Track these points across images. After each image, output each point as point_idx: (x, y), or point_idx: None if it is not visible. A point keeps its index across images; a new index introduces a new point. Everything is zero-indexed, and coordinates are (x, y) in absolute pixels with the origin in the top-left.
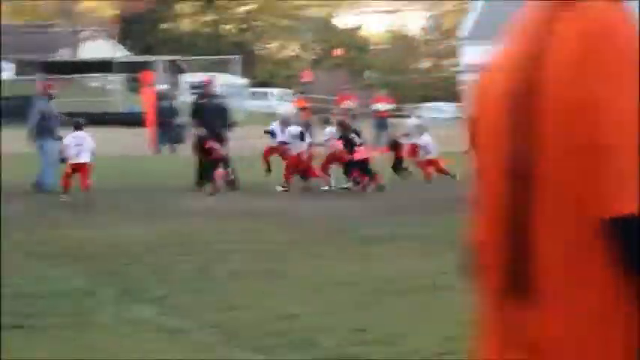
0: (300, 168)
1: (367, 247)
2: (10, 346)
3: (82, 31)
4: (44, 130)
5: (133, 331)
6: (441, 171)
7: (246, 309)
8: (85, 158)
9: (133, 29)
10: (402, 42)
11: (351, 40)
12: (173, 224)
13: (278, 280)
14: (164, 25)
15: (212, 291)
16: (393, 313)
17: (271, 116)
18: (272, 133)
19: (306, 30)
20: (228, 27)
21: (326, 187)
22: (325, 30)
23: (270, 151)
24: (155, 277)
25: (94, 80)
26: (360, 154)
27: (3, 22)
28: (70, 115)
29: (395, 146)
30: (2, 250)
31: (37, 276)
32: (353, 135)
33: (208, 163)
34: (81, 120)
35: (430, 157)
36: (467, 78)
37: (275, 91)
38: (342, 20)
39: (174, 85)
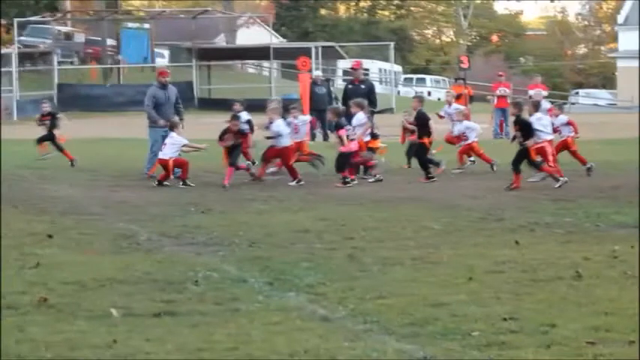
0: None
1: (516, 234)
2: (160, 332)
3: (238, 17)
4: (155, 116)
5: (283, 318)
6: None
7: (396, 297)
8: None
9: (289, 15)
10: (558, 28)
11: (508, 26)
12: (325, 211)
13: (428, 268)
14: (320, 12)
15: (363, 278)
16: (543, 301)
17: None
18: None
19: (462, 16)
20: (384, 13)
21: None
22: (482, 16)
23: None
24: (305, 265)
25: (251, 66)
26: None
27: (159, 8)
28: (226, 102)
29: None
30: (152, 236)
31: (187, 263)
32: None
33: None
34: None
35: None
36: (623, 64)
37: (429, 77)
38: (502, 5)
39: (331, 71)
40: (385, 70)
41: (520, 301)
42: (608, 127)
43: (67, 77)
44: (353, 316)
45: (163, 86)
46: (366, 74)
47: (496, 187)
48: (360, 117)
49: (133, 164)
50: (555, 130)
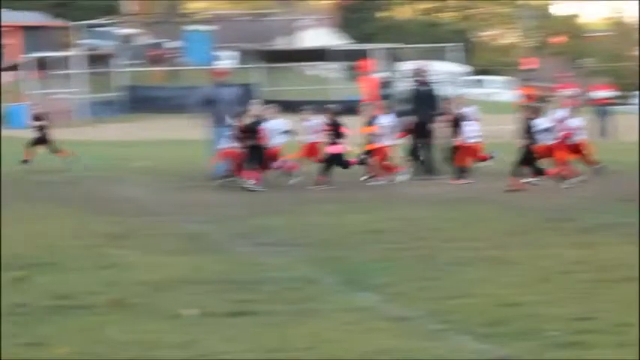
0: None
1: (589, 234)
2: (235, 332)
3: (300, 19)
4: (212, 117)
5: (357, 319)
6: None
7: (470, 297)
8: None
9: (351, 17)
10: (620, 29)
11: (570, 27)
12: (396, 212)
13: (502, 268)
14: (382, 14)
15: (436, 278)
16: (617, 301)
17: (487, 104)
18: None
19: (525, 17)
20: (446, 14)
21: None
22: (544, 17)
23: None
24: (379, 265)
25: (312, 68)
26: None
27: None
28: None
29: None
30: (224, 237)
31: (260, 263)
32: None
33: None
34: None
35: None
36: None
37: (493, 78)
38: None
39: (392, 73)
40: (449, 72)
41: (594, 301)
42: None
43: (132, 79)
44: (428, 316)
45: (220, 86)
46: (429, 76)
47: (560, 188)
48: (383, 120)
49: (199, 165)
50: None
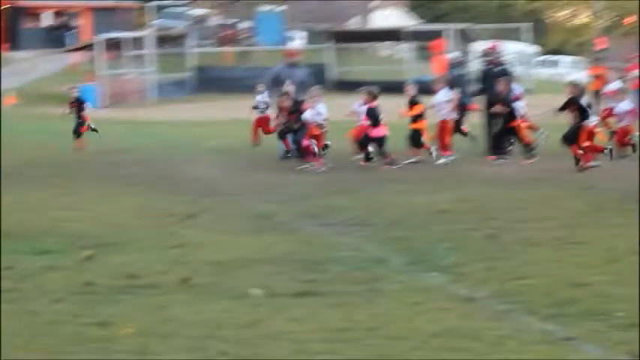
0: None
1: None
2: (302, 312)
3: (372, 0)
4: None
5: (425, 298)
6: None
7: (538, 277)
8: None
9: None
10: None
11: None
12: (464, 192)
13: (570, 248)
14: None
15: (503, 259)
16: None
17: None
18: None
19: None
20: None
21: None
22: None
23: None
24: (446, 245)
25: (384, 49)
26: None
27: None
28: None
29: None
30: (292, 216)
31: (328, 243)
32: None
33: (499, 131)
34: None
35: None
36: None
37: (565, 58)
38: None
39: (465, 53)
40: (520, 52)
41: None
42: None
43: (202, 60)
44: (495, 296)
45: (291, 66)
46: (501, 56)
47: (630, 168)
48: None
49: (268, 145)
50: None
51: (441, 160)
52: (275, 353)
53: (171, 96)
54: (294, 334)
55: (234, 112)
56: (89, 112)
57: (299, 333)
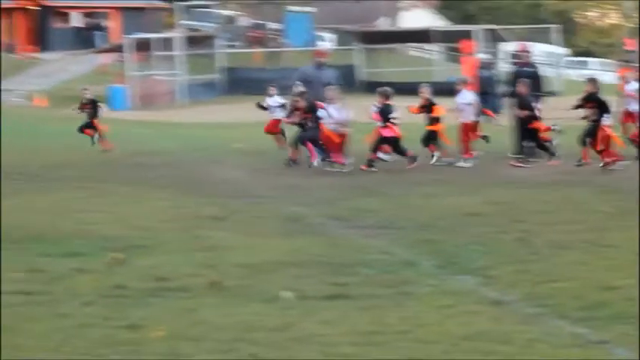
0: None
1: None
2: (332, 315)
3: (401, 0)
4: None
5: (455, 302)
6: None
7: (567, 280)
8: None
9: None
10: None
11: None
12: (491, 194)
13: (599, 251)
14: None
15: (533, 262)
16: None
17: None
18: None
19: None
20: None
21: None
22: None
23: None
24: (475, 248)
25: (413, 50)
26: None
27: None
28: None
29: None
30: (322, 219)
31: (358, 246)
32: None
33: (526, 133)
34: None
35: None
36: None
37: (594, 60)
38: None
39: (494, 54)
40: (549, 53)
41: None
42: None
43: (231, 61)
44: (525, 299)
45: (319, 66)
46: (531, 57)
47: None
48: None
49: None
50: None
51: (464, 163)
52: (305, 356)
53: (201, 97)
54: (324, 337)
55: (263, 113)
56: (106, 114)
57: (329, 336)
